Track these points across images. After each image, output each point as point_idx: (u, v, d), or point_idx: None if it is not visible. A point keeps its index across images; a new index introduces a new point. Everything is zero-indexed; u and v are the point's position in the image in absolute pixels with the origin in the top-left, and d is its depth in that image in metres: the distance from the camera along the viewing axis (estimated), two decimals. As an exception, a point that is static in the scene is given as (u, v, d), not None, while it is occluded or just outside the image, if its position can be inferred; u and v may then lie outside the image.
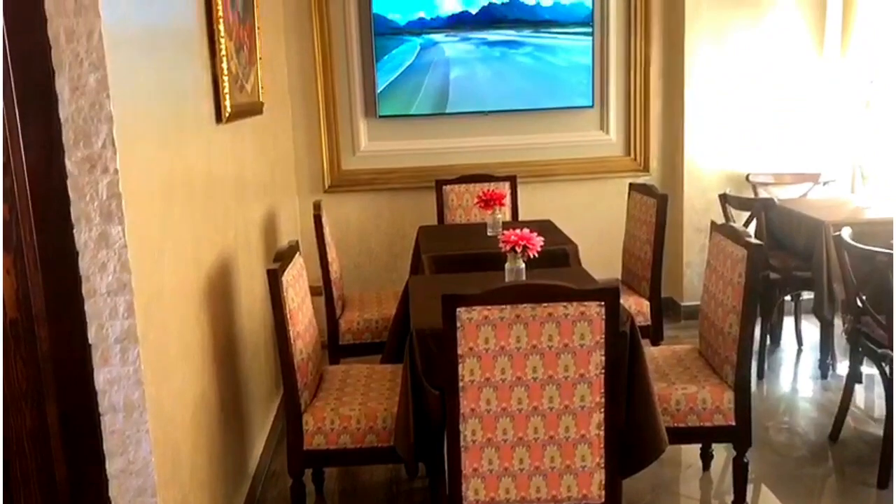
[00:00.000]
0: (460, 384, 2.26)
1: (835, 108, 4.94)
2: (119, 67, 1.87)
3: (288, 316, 2.60)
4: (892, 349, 3.00)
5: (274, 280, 2.54)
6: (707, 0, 4.81)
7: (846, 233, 3.21)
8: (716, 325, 2.87)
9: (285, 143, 4.70)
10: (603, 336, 2.24)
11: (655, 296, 3.87)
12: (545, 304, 2.22)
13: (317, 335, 2.99)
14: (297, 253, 2.94)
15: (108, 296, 1.88)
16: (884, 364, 3.10)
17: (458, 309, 2.21)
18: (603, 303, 2.23)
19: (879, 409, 3.78)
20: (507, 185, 4.76)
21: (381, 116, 4.93)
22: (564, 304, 2.22)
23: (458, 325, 2.22)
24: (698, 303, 3.18)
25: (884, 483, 3.05)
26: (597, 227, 4.97)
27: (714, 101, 4.93)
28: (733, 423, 2.74)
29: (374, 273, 4.94)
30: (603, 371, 2.26)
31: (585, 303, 2.22)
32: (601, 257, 4.58)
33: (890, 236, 3.51)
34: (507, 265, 2.90)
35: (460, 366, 2.25)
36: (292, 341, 2.62)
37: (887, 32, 4.41)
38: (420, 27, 4.82)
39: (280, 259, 2.68)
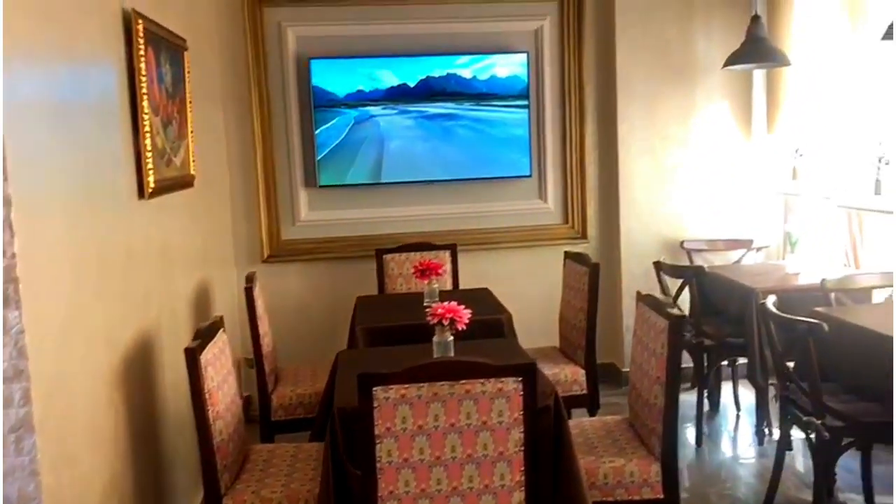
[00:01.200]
0: (378, 466, 2.21)
1: (764, 177, 5.09)
2: (22, 147, 1.84)
3: (207, 395, 2.54)
4: (815, 416, 3.03)
5: (191, 359, 2.49)
6: (639, 73, 4.97)
7: (770, 301, 3.27)
8: (642, 395, 2.88)
9: (222, 214, 4.67)
10: (521, 412, 2.22)
11: (591, 364, 3.88)
12: (463, 382, 2.20)
13: (240, 414, 2.92)
14: (221, 329, 2.89)
15: (3, 383, 1.82)
16: (810, 431, 3.13)
17: (374, 388, 2.18)
18: (521, 378, 2.22)
19: (812, 475, 3.79)
20: (447, 253, 4.78)
21: (321, 186, 4.95)
22: (482, 380, 2.21)
23: (375, 404, 2.19)
24: (629, 372, 3.19)
25: (816, 552, 3.04)
26: (536, 294, 5.00)
27: (648, 171, 5.05)
28: (661, 496, 2.72)
29: (314, 345, 4.88)
30: (522, 448, 2.24)
31: (503, 379, 2.21)
32: (541, 325, 4.60)
33: (817, 302, 3.59)
34: (434, 339, 2.88)
35: (377, 447, 2.21)
36: (211, 421, 2.55)
37: (810, 109, 4.59)
38: (359, 99, 4.88)
39: (200, 337, 2.63)
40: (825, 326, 2.95)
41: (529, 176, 5.12)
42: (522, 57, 4.99)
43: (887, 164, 3.85)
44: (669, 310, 2.74)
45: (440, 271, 4.05)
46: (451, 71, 4.94)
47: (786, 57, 4.38)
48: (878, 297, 3.86)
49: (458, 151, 5.01)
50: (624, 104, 5.00)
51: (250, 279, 3.81)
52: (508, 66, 4.97)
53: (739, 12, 4.90)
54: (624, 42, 4.96)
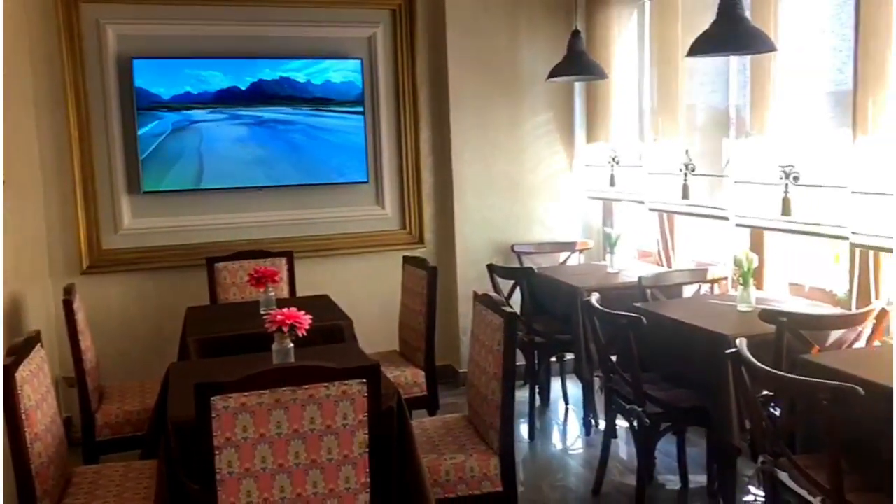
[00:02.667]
0: (218, 478, 2.14)
1: (584, 183, 5.41)
2: None
3: (24, 416, 2.34)
4: (637, 405, 3.26)
5: (5, 377, 2.29)
6: (469, 83, 5.13)
7: (595, 298, 3.48)
8: (481, 392, 2.97)
9: (35, 222, 4.33)
10: (366, 414, 2.23)
11: (430, 366, 3.95)
12: (306, 387, 2.18)
13: (62, 435, 2.71)
14: (38, 344, 2.68)
15: None
16: (633, 418, 3.36)
17: (212, 398, 2.11)
18: (365, 380, 2.23)
19: (636, 460, 4.07)
20: (283, 260, 4.69)
21: (145, 192, 4.70)
22: (326, 384, 2.19)
23: (214, 414, 2.12)
24: (466, 372, 3.28)
25: (640, 531, 3.27)
26: (375, 300, 5.02)
27: (480, 177, 5.22)
28: (500, 489, 2.82)
29: (141, 360, 4.62)
30: (367, 450, 2.25)
31: (347, 382, 2.21)
32: (380, 330, 4.62)
33: (634, 299, 3.87)
34: (274, 346, 2.82)
35: (217, 458, 2.13)
36: (29, 445, 2.36)
37: (626, 121, 4.93)
38: (186, 102, 4.69)
39: (14, 353, 2.43)
40: (644, 320, 3.19)
41: (366, 182, 5.14)
42: (356, 63, 5.00)
43: (693, 170, 4.22)
44: (504, 308, 2.85)
45: (276, 279, 3.98)
46: (284, 75, 4.87)
47: (603, 70, 4.69)
48: (687, 292, 4.21)
49: (293, 157, 4.94)
50: (456, 112, 5.14)
51: (69, 291, 3.55)
52: (343, 72, 4.97)
53: (562, 27, 5.18)
54: (455, 53, 5.10)
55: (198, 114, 4.73)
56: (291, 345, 2.83)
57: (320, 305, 3.95)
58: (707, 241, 4.68)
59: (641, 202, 4.73)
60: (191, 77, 4.70)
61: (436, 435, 3.04)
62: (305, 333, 2.81)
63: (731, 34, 3.20)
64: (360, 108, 5.03)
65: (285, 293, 4.59)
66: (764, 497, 2.68)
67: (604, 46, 5.06)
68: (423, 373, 3.95)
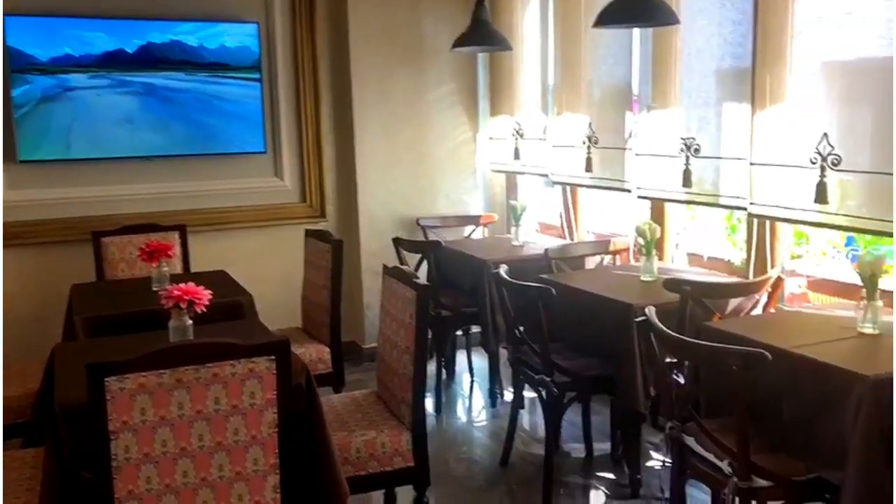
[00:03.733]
0: (114, 465, 1.98)
1: (489, 156, 5.39)
2: None
3: None
4: (546, 375, 3.27)
5: None
6: (371, 54, 5.00)
7: (503, 269, 3.46)
8: (391, 366, 2.90)
9: None
10: (275, 392, 2.12)
11: (336, 342, 3.85)
12: (210, 365, 2.04)
13: (-69, 424, 2.46)
14: None
15: None
16: (541, 388, 3.37)
17: (106, 379, 1.94)
18: (273, 357, 2.11)
19: (542, 430, 4.11)
20: (175, 234, 4.45)
21: (22, 162, 4.35)
22: (231, 362, 2.06)
23: (108, 396, 1.95)
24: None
25: (547, 500, 3.29)
26: (276, 275, 4.85)
27: (383, 150, 5.11)
28: (412, 464, 2.77)
29: (21, 341, 4.29)
30: (276, 430, 2.13)
31: (254, 359, 2.09)
32: (282, 306, 4.46)
33: (541, 271, 3.87)
34: (171, 323, 2.65)
35: (112, 444, 1.97)
36: None
37: (530, 94, 4.93)
38: (66, 64, 4.35)
39: None
40: (553, 290, 3.19)
41: (264, 152, 4.94)
42: (252, 27, 4.78)
43: (596, 143, 4.26)
44: (416, 280, 2.79)
45: (170, 253, 3.76)
46: (176, 38, 4.59)
47: (507, 42, 4.65)
48: (589, 263, 4.26)
49: (185, 125, 4.68)
50: (358, 82, 5.00)
51: (-64, 268, 3.24)
52: (238, 36, 4.73)
53: (465, -3, 5.11)
54: (356, 21, 4.95)
55: (79, 78, 4.40)
56: (190, 322, 2.66)
57: (218, 281, 3.75)
58: (609, 213, 4.76)
59: (545, 175, 4.75)
60: (71, 38, 4.36)
61: (344, 412, 2.95)
62: (205, 309, 2.66)
63: (636, 5, 3.22)
64: (258, 75, 4.82)
65: (178, 269, 4.36)
66: (671, 462, 2.73)
67: (508, 17, 5.03)
68: (327, 349, 3.84)
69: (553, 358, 3.31)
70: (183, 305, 2.63)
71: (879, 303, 2.59)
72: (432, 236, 5.06)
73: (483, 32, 4.59)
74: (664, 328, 2.52)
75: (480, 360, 4.88)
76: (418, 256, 4.51)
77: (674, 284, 3.13)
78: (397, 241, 4.60)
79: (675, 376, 2.64)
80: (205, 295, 2.65)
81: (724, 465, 2.37)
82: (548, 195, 5.14)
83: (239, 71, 4.76)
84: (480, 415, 4.46)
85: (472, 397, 4.72)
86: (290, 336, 3.95)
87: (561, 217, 4.90)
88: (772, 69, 3.22)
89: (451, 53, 4.94)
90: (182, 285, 2.64)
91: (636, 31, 3.94)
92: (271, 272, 4.86)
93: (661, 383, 2.73)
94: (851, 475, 2.15)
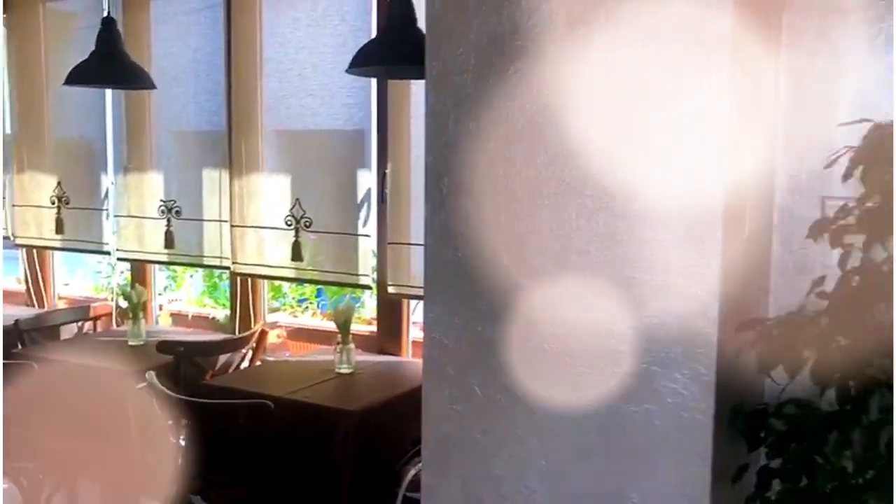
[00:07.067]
0: None
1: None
2: None
3: None
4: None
5: None
6: None
7: None
8: None
9: None
10: None
11: None
12: None
13: None
14: None
15: None
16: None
17: None
18: None
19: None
20: None
21: None
22: None
23: None
24: None
25: None
26: None
27: None
28: None
29: None
30: None
31: None
32: None
33: (12, 344, 3.45)
34: None
35: None
36: None
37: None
38: None
39: None
40: (35, 365, 2.90)
41: None
42: None
43: (67, 203, 4.02)
44: None
45: None
46: None
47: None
48: (65, 332, 3.94)
49: None
50: None
51: None
52: None
53: None
54: None
55: None
56: None
57: None
58: (84, 276, 4.49)
59: (8, 238, 4.26)
60: None
61: None
62: None
63: (110, 68, 3.21)
64: None
65: None
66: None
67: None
68: None
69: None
70: None
71: (352, 345, 3.01)
72: None
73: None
74: (167, 391, 2.52)
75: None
76: None
77: (167, 346, 3.12)
78: None
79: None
80: None
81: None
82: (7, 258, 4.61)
83: None
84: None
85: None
86: None
87: (27, 282, 4.43)
88: (246, 137, 3.49)
89: None
90: None
91: (109, 91, 3.86)
92: None
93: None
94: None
